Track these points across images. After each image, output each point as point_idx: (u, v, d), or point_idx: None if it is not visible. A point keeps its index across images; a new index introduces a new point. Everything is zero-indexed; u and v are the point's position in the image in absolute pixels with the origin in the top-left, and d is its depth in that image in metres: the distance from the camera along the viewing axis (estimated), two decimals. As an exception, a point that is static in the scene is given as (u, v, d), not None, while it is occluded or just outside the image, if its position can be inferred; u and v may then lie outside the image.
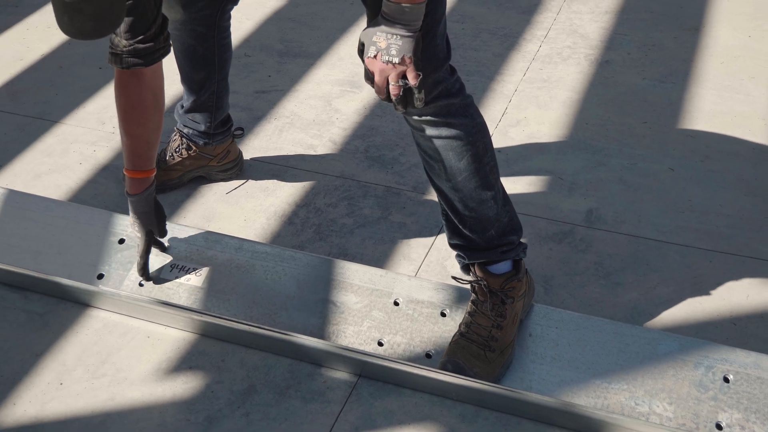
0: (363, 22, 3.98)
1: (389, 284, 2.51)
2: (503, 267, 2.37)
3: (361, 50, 2.03)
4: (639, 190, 3.03)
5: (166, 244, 2.65)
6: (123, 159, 2.50)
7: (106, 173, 3.15)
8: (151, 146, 2.48)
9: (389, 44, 1.97)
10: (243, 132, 3.14)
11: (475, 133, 2.21)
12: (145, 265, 2.55)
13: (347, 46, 3.90)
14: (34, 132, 3.40)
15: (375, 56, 1.99)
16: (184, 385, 2.38)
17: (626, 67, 3.72)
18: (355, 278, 2.52)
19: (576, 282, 2.67)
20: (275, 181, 3.10)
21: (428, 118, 2.15)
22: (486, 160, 2.25)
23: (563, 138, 3.29)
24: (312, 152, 3.24)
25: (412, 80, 2.00)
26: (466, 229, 2.32)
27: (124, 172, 2.49)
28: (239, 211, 2.96)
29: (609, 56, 3.79)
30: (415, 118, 2.16)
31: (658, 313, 2.57)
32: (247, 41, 3.95)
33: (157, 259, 2.61)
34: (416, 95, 2.03)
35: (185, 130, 3.00)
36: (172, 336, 2.52)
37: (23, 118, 3.48)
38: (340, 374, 2.40)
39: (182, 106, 2.99)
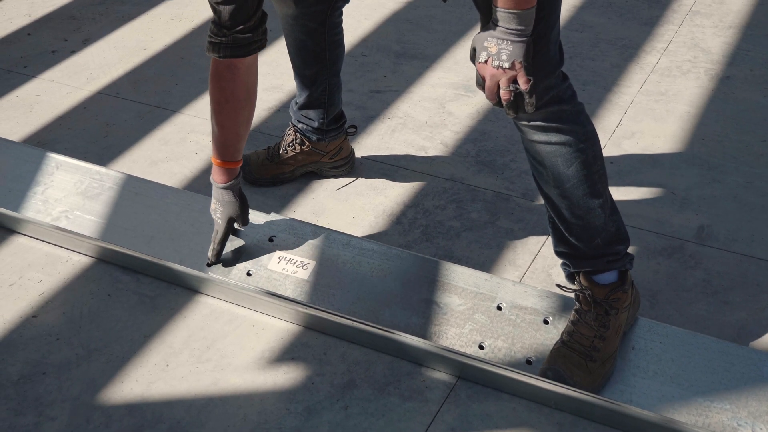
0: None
1: (493, 288, 2.51)
2: (609, 277, 2.35)
3: (473, 55, 2.05)
4: (754, 209, 2.97)
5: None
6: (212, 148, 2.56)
7: (220, 164, 3.21)
8: (240, 138, 2.54)
9: (500, 49, 1.97)
10: (356, 130, 3.17)
11: (585, 140, 2.20)
12: (220, 252, 2.61)
13: (463, 49, 3.91)
14: (153, 120, 3.48)
15: (486, 61, 2.00)
16: (285, 375, 2.41)
17: (748, 83, 3.65)
18: (459, 280, 2.53)
19: (683, 298, 2.64)
20: (385, 180, 3.12)
21: (538, 123, 2.15)
22: (595, 168, 2.23)
23: (678, 152, 3.25)
24: (423, 154, 3.25)
25: (522, 85, 1.99)
26: (572, 237, 2.30)
27: (212, 161, 2.55)
28: (348, 207, 2.99)
29: (730, 72, 3.73)
30: (525, 123, 2.16)
31: (766, 334, 2.52)
32: (365, 41, 3.99)
33: (266, 251, 2.65)
34: (527, 100, 2.03)
35: (299, 126, 3.04)
36: (276, 326, 2.56)
37: (143, 106, 3.57)
38: (440, 375, 2.41)
39: (296, 103, 3.04)
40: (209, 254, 2.60)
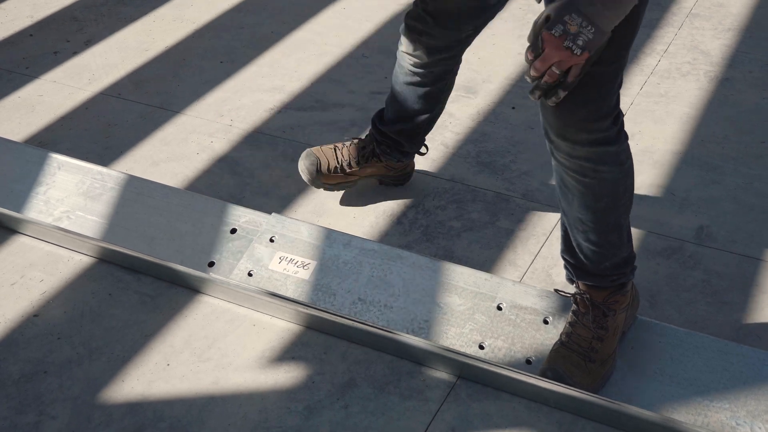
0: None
1: (493, 288, 2.51)
2: None
3: (544, 23, 1.89)
4: (753, 210, 2.98)
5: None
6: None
7: (221, 164, 3.22)
8: None
9: (579, 32, 1.84)
10: (427, 151, 3.08)
11: (620, 178, 2.17)
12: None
13: (465, 52, 3.91)
14: (155, 121, 3.49)
15: (558, 36, 1.85)
16: (286, 375, 2.42)
17: (747, 85, 3.66)
18: (459, 280, 2.54)
19: (682, 298, 2.64)
20: (386, 181, 3.13)
21: (578, 162, 2.11)
22: (623, 201, 2.22)
23: (678, 154, 3.26)
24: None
25: (571, 77, 1.91)
26: (581, 254, 2.30)
27: None
28: (349, 208, 3.00)
29: (730, 74, 3.73)
30: (563, 156, 2.12)
31: (766, 335, 2.52)
32: (366, 42, 4.00)
33: (267, 251, 2.66)
34: (559, 93, 1.94)
35: (383, 147, 2.95)
36: (277, 326, 2.56)
37: (145, 107, 3.58)
38: (440, 374, 2.41)
39: (385, 121, 2.93)
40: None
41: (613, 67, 2.02)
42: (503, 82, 3.67)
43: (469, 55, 3.86)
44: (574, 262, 2.34)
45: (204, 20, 4.22)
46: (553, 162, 2.19)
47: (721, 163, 3.20)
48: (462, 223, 2.93)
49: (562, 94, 1.94)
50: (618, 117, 2.12)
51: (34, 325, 2.58)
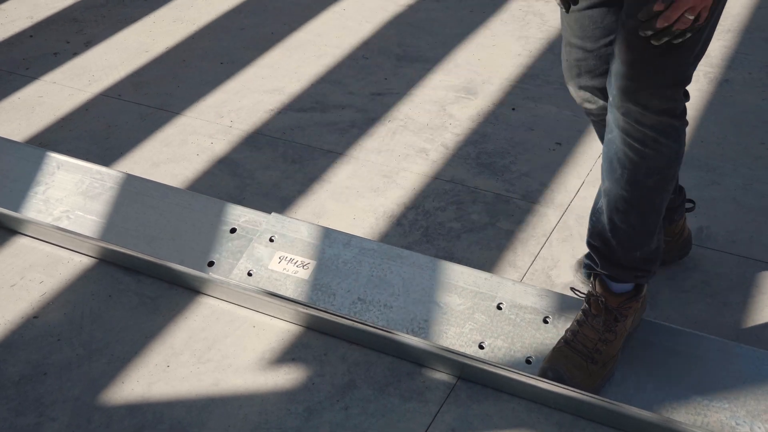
0: (481, 30, 4.00)
1: (493, 288, 2.51)
2: (624, 286, 2.34)
3: None
4: (753, 211, 2.98)
5: None
6: None
7: (221, 165, 3.22)
8: None
9: None
10: (694, 205, 2.70)
11: (675, 158, 2.18)
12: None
13: (464, 52, 3.92)
14: (155, 122, 3.49)
15: None
16: (286, 376, 2.42)
17: (747, 86, 3.66)
18: (459, 280, 2.54)
19: (682, 299, 2.64)
20: (386, 182, 3.13)
21: (643, 130, 2.11)
22: (668, 186, 2.22)
23: (677, 154, 3.26)
24: (423, 156, 3.26)
25: (702, 20, 1.96)
26: (614, 239, 2.28)
27: None
28: (349, 209, 3.00)
29: (729, 75, 3.73)
30: (630, 123, 2.12)
31: (765, 335, 2.52)
32: (366, 44, 4.00)
33: (266, 251, 2.66)
34: (686, 34, 1.99)
35: None
36: (277, 327, 2.56)
37: (145, 108, 3.58)
38: (440, 375, 2.41)
39: None
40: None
41: (696, 36, 2.03)
42: (503, 83, 3.67)
43: (468, 56, 3.87)
44: (603, 249, 2.32)
45: (204, 21, 4.22)
46: (612, 134, 2.19)
47: (720, 164, 3.20)
48: (462, 224, 2.93)
49: (689, 34, 1.99)
50: (687, 93, 2.16)
51: (34, 327, 2.58)
